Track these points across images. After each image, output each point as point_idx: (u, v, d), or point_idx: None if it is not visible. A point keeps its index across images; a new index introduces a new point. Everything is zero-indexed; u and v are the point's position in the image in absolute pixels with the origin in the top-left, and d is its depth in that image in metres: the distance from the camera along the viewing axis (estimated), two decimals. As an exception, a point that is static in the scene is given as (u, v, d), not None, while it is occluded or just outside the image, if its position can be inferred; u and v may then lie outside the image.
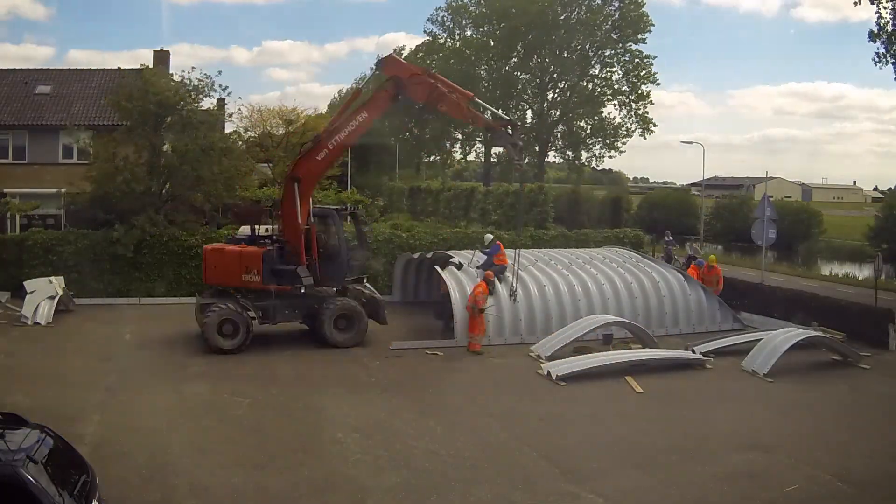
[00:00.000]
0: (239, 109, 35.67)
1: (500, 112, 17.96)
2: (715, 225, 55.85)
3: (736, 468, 10.42)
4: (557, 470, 10.29)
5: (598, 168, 71.20)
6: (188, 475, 9.78)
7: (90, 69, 32.79)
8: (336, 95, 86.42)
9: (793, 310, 19.57)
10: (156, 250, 22.74)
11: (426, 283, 22.48)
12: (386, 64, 17.79)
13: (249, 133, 42.55)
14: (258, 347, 16.58)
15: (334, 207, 18.67)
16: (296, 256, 16.85)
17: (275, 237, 17.71)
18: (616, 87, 55.69)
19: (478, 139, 59.97)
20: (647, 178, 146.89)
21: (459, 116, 17.89)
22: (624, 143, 56.75)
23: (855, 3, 27.46)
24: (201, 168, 23.29)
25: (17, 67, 32.68)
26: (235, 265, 17.08)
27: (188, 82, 24.23)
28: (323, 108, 68.34)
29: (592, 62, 56.34)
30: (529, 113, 59.21)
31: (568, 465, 10.44)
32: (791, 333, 16.16)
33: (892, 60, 26.78)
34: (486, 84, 57.73)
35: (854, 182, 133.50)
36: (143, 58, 30.76)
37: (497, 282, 18.17)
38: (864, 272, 37.90)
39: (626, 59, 54.82)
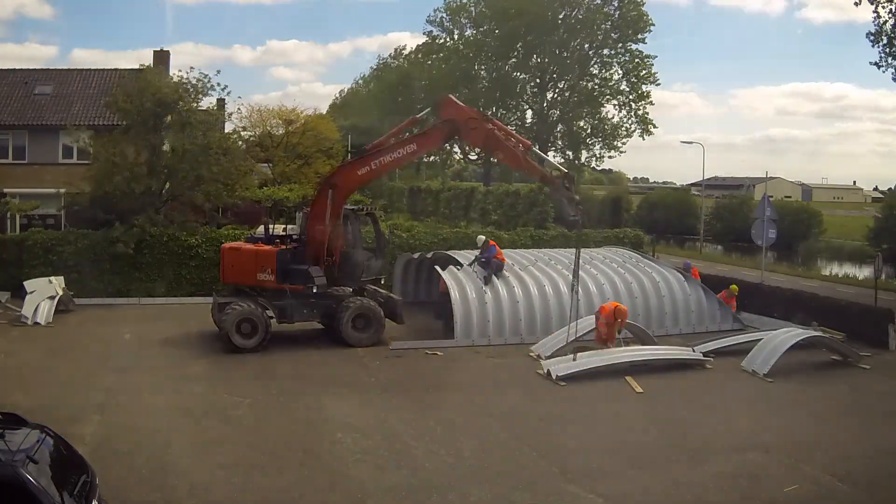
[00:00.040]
0: (238, 109, 35.79)
1: (556, 162, 16.85)
2: (715, 225, 55.91)
3: (736, 468, 10.41)
4: (557, 470, 10.28)
5: (598, 168, 71.33)
6: (188, 475, 9.77)
7: (90, 69, 32.79)
8: (336, 95, 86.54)
9: (793, 310, 19.56)
10: (156, 250, 22.75)
11: (426, 283, 22.48)
12: (442, 105, 17.46)
13: (249, 133, 42.64)
14: (258, 348, 16.57)
15: (351, 208, 18.68)
16: (316, 258, 17.02)
17: (293, 237, 17.81)
18: (616, 87, 55.69)
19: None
20: (647, 178, 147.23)
21: (516, 166, 17.08)
22: (624, 144, 56.78)
23: (856, 3, 27.51)
24: (201, 168, 23.30)
25: (19, 67, 32.72)
26: (251, 264, 17.18)
27: (187, 82, 24.25)
28: (324, 109, 68.54)
29: (592, 62, 56.33)
30: (529, 113, 59.25)
31: (568, 465, 10.44)
32: (791, 333, 16.15)
33: (893, 62, 26.82)
34: (485, 84, 57.73)
35: (854, 182, 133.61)
36: (147, 57, 30.90)
37: (496, 280, 18.21)
38: (864, 272, 37.92)
39: (626, 59, 54.80)
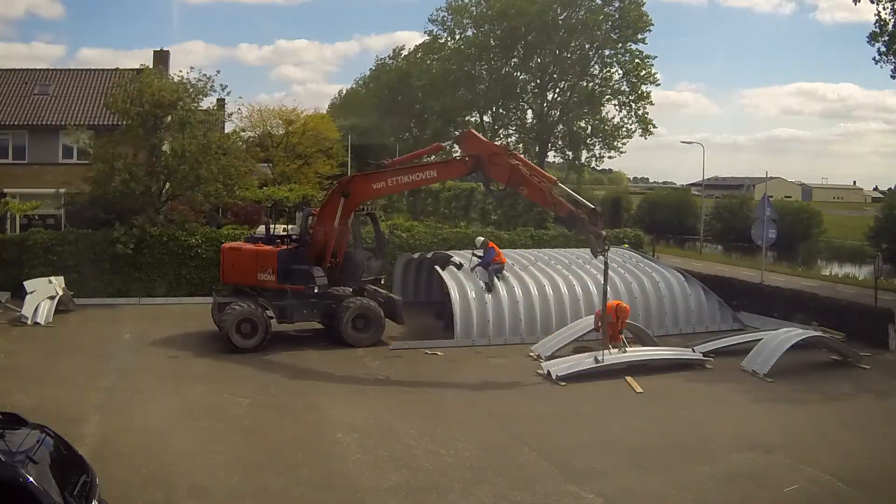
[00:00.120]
0: (239, 109, 35.77)
1: (582, 198, 16.18)
2: (715, 225, 55.88)
3: (736, 468, 10.42)
4: (557, 470, 10.28)
5: (598, 168, 71.30)
6: (188, 475, 9.77)
7: (90, 69, 32.76)
8: (336, 95, 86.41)
9: (793, 310, 19.57)
10: (156, 250, 22.74)
11: (426, 283, 22.48)
12: (464, 140, 17.32)
13: (248, 133, 42.66)
14: (258, 348, 16.57)
15: None
16: (319, 258, 17.04)
17: (293, 237, 17.82)
18: (616, 87, 55.69)
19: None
20: (647, 178, 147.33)
21: (542, 202, 16.56)
22: (624, 144, 56.79)
23: (855, 2, 27.58)
24: (200, 168, 23.29)
25: (24, 67, 32.69)
26: (251, 264, 17.21)
27: (187, 82, 24.25)
28: (325, 108, 68.47)
29: (592, 62, 56.33)
30: (529, 113, 59.25)
31: (568, 465, 10.44)
32: (791, 333, 16.15)
33: (892, 59, 26.83)
34: (486, 84, 57.75)
35: (854, 182, 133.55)
36: (151, 57, 30.85)
37: (497, 280, 18.21)
38: (864, 272, 37.91)
39: (626, 59, 54.80)
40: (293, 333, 18.13)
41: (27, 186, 27.46)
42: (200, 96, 24.55)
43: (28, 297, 19.34)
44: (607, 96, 55.96)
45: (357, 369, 15.51)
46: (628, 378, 14.60)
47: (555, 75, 57.21)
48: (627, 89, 55.28)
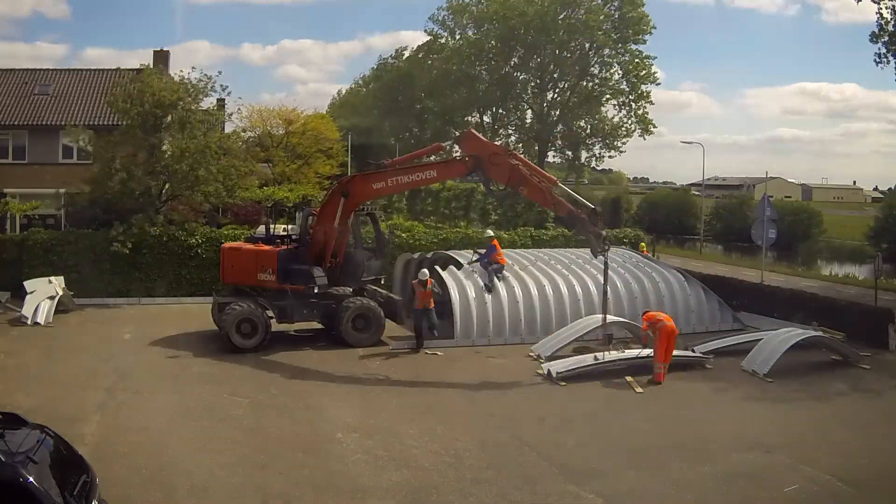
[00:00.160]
0: (239, 109, 35.78)
1: (582, 198, 16.25)
2: (715, 225, 55.93)
3: (736, 468, 10.41)
4: (557, 470, 10.28)
5: (598, 168, 71.25)
6: (188, 475, 9.77)
7: (91, 69, 32.79)
8: (336, 95, 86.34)
9: (793, 310, 19.55)
10: (156, 250, 22.75)
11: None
12: (464, 140, 17.34)
13: (248, 133, 42.65)
14: (258, 348, 16.56)
15: None
16: (319, 258, 17.06)
17: (293, 237, 17.82)
18: (615, 87, 55.63)
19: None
20: (647, 178, 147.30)
21: (542, 202, 16.68)
22: (624, 144, 56.74)
23: (857, 0, 27.78)
24: (200, 168, 23.30)
25: (24, 67, 32.70)
26: (251, 264, 17.23)
27: (187, 82, 24.25)
28: (325, 108, 68.47)
29: (592, 62, 56.29)
30: (529, 113, 59.20)
31: (568, 465, 10.44)
32: (791, 333, 16.15)
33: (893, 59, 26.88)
34: (485, 84, 57.71)
35: (854, 182, 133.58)
36: (156, 56, 30.74)
37: (497, 281, 18.21)
38: (864, 272, 37.93)
39: (626, 59, 54.76)
40: (293, 333, 18.13)
41: (27, 186, 27.49)
42: (201, 96, 24.58)
43: (28, 297, 19.35)
44: (607, 96, 55.95)
45: (357, 369, 15.51)
46: (628, 378, 14.60)
47: (554, 75, 57.16)
48: (627, 89, 55.27)
